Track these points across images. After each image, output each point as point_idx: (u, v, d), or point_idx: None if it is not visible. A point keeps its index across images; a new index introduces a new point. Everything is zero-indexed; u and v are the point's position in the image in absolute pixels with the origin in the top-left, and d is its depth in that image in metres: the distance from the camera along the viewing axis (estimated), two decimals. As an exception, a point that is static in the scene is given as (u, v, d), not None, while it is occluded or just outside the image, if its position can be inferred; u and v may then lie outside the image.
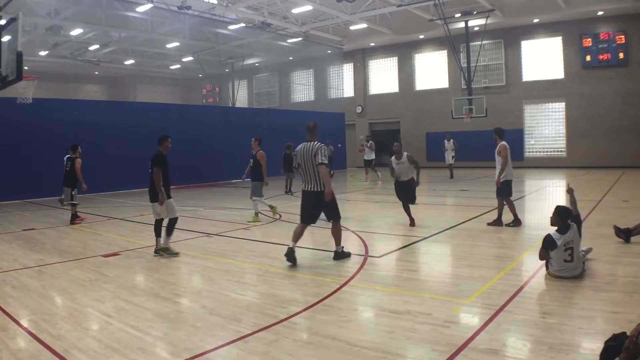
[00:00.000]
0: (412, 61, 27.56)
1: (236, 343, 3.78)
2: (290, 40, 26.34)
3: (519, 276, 5.54)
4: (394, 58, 28.20)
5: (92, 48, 26.34)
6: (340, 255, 6.42)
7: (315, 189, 6.18)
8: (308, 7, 20.77)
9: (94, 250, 7.59)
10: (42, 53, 25.56)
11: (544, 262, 5.37)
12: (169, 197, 6.97)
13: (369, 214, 11.40)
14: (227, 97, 32.58)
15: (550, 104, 23.43)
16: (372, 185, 17.73)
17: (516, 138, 22.98)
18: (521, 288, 4.92)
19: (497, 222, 8.43)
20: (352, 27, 24.53)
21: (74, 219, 10.37)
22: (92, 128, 16.04)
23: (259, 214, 10.10)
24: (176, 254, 6.89)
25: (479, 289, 4.94)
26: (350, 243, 7.85)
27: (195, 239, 8.32)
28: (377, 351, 3.54)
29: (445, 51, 25.36)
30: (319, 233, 8.82)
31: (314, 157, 6.09)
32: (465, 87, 22.48)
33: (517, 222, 8.32)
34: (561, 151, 23.41)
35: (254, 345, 3.72)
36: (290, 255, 6.08)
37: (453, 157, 18.80)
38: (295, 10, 21.78)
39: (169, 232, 6.96)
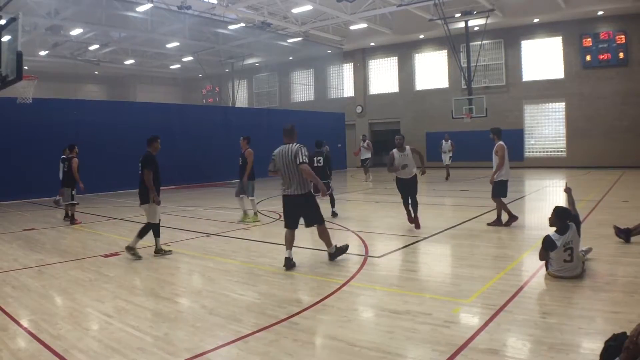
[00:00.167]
0: (412, 61, 27.56)
1: (236, 343, 3.78)
2: (290, 40, 26.34)
3: (519, 276, 5.54)
4: (394, 58, 28.20)
5: (92, 48, 26.34)
6: (336, 253, 6.32)
7: (297, 192, 6.02)
8: (308, 7, 20.77)
9: (94, 250, 7.59)
10: (42, 53, 25.55)
11: (544, 262, 5.37)
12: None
13: (369, 214, 11.39)
14: (227, 97, 32.58)
15: (550, 104, 23.44)
16: (373, 185, 17.73)
17: (516, 138, 23.02)
18: (521, 288, 4.92)
19: (497, 222, 8.43)
20: (352, 27, 24.53)
21: (73, 219, 10.37)
22: (92, 128, 16.05)
23: (259, 213, 10.10)
24: (139, 257, 6.77)
25: (479, 289, 4.94)
26: (350, 243, 7.85)
27: (195, 239, 8.32)
28: (377, 351, 3.54)
29: (445, 51, 25.36)
30: (319, 233, 8.83)
31: (294, 159, 5.93)
32: (465, 87, 22.48)
33: (505, 221, 8.28)
34: (561, 151, 23.41)
35: (254, 345, 3.72)
36: (289, 265, 6.00)
37: (450, 157, 18.55)
38: (295, 10, 21.78)
39: (142, 234, 6.85)
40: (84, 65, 28.44)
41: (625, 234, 6.74)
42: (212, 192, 16.99)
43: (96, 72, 32.63)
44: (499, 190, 8.33)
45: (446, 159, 18.56)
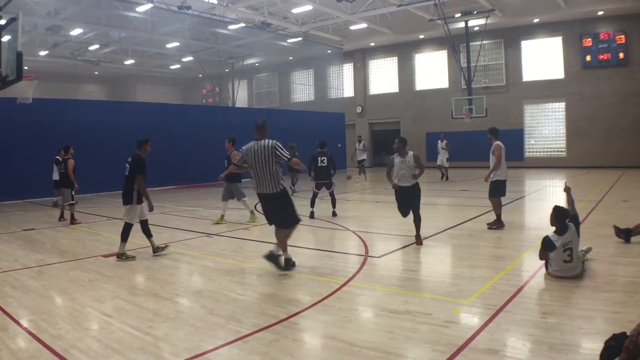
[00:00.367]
0: (412, 61, 27.56)
1: (236, 343, 3.78)
2: (290, 40, 26.34)
3: (519, 276, 5.54)
4: (394, 58, 28.20)
5: (92, 48, 26.34)
6: (273, 258, 5.76)
7: (269, 191, 5.70)
8: (308, 7, 20.77)
9: (94, 250, 7.59)
10: (42, 53, 25.55)
11: (543, 262, 5.38)
12: (139, 202, 6.87)
13: (369, 214, 11.40)
14: (227, 97, 32.59)
15: (550, 104, 23.44)
16: (372, 186, 17.73)
17: (516, 138, 23.04)
18: (521, 288, 4.92)
19: (497, 223, 8.43)
20: (352, 27, 24.52)
21: (73, 218, 10.40)
22: (92, 128, 16.04)
23: (255, 212, 10.01)
24: (133, 258, 6.78)
25: (479, 289, 4.94)
26: (350, 243, 7.87)
27: (195, 239, 8.32)
28: (377, 351, 3.54)
29: (445, 51, 25.37)
30: (320, 233, 8.84)
31: (270, 156, 5.59)
32: (465, 87, 22.47)
33: (499, 224, 8.24)
34: (561, 151, 23.41)
35: (254, 345, 3.72)
36: (287, 264, 5.88)
37: (447, 158, 18.36)
38: (295, 10, 21.78)
39: (125, 237, 6.80)
40: (84, 65, 28.44)
41: (625, 234, 6.74)
42: (212, 192, 16.96)
43: (96, 72, 32.63)
44: (496, 190, 8.32)
45: (443, 159, 18.34)
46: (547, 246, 5.18)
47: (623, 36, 20.99)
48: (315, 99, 31.29)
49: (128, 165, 6.85)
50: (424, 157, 24.73)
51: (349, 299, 4.86)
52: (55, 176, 11.92)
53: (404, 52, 27.49)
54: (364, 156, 19.14)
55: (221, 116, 22.00)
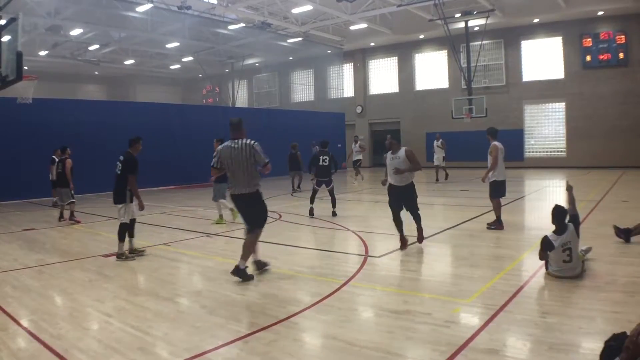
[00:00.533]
0: (412, 61, 27.56)
1: (236, 343, 3.78)
2: (290, 40, 26.34)
3: (518, 276, 5.54)
4: (394, 58, 28.21)
5: (92, 48, 26.36)
6: (240, 272, 5.45)
7: (243, 192, 5.52)
8: (308, 7, 20.77)
9: (94, 250, 7.59)
10: (42, 53, 25.56)
11: (543, 262, 5.38)
12: (132, 201, 6.88)
13: (369, 214, 11.40)
14: (227, 97, 32.60)
15: (550, 104, 23.44)
16: (369, 185, 17.71)
17: (516, 138, 23.04)
18: (521, 288, 4.92)
19: (497, 223, 8.42)
20: (352, 27, 24.52)
21: (73, 216, 10.42)
22: (92, 128, 16.03)
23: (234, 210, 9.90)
24: (133, 258, 6.76)
25: (479, 289, 4.94)
26: (350, 243, 7.87)
27: (195, 239, 8.32)
28: (377, 351, 3.54)
29: (445, 51, 25.37)
30: (320, 233, 8.84)
31: (249, 157, 5.41)
32: (465, 87, 22.47)
33: (499, 225, 8.23)
34: (561, 151, 23.41)
35: (254, 345, 3.72)
36: (259, 266, 5.85)
37: (444, 157, 18.21)
38: (295, 10, 21.78)
39: (122, 237, 6.81)
40: (83, 65, 28.46)
41: (625, 234, 6.74)
42: (212, 192, 16.95)
43: (96, 72, 32.66)
44: (496, 191, 8.31)
45: (440, 158, 18.13)
46: (545, 246, 5.18)
47: (623, 36, 21.00)
48: (315, 99, 31.30)
49: (120, 164, 6.87)
50: (423, 157, 24.73)
51: (349, 298, 4.86)
52: (52, 176, 11.93)
53: (404, 52, 27.50)
54: (360, 157, 19.10)
55: (221, 116, 21.98)
